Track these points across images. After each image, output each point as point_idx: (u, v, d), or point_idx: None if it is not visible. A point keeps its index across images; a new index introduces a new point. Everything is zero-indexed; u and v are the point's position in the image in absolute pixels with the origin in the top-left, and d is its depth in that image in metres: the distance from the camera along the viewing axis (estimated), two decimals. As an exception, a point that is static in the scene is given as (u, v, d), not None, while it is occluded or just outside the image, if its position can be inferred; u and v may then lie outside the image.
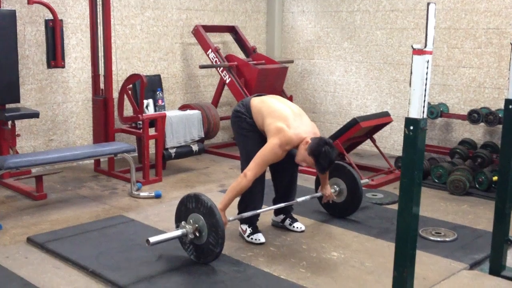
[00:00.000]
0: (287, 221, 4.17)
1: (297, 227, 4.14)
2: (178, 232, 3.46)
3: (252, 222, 3.94)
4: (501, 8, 5.87)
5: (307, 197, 4.23)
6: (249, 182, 3.58)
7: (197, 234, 3.43)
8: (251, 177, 3.58)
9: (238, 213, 3.92)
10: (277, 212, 4.21)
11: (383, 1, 6.80)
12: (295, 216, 4.24)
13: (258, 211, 3.86)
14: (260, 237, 3.89)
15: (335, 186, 4.38)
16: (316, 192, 4.42)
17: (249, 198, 3.84)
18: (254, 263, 3.56)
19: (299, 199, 4.14)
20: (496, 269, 3.41)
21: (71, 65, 5.92)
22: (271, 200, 4.19)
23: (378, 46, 6.91)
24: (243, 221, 3.93)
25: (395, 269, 2.72)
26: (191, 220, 3.46)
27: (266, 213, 4.19)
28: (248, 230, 3.92)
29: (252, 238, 3.89)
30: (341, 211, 4.44)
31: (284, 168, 4.01)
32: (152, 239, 3.32)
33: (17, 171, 4.80)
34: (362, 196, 4.39)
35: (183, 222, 3.49)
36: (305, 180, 5.39)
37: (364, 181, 4.70)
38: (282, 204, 4.06)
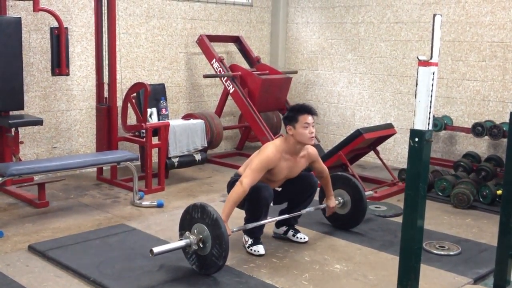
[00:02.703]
0: (290, 232, 4.15)
1: (301, 238, 4.12)
2: (182, 243, 3.43)
3: (254, 234, 3.90)
4: (505, 22, 5.87)
5: (311, 208, 4.21)
6: (245, 189, 3.57)
7: (201, 245, 3.41)
8: (247, 183, 3.58)
9: (245, 232, 3.93)
10: (279, 224, 4.19)
11: (387, 13, 6.81)
12: (297, 227, 4.22)
13: (262, 222, 3.83)
14: (259, 249, 3.85)
15: (339, 198, 4.36)
16: (320, 203, 4.40)
17: (253, 214, 3.82)
18: (256, 274, 3.54)
19: (303, 210, 4.11)
20: (501, 284, 3.37)
21: (76, 73, 5.93)
22: (277, 212, 4.17)
23: (382, 58, 6.91)
24: (246, 232, 3.92)
25: (399, 282, 2.70)
26: (195, 230, 3.44)
27: (271, 225, 4.17)
28: (249, 241, 3.89)
29: (251, 249, 3.86)
30: (344, 223, 4.41)
31: (305, 188, 4.04)
32: (156, 249, 3.30)
33: (20, 178, 4.79)
34: (366, 208, 4.36)
35: (187, 232, 3.47)
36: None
37: (368, 193, 4.68)
38: (286, 216, 4.04)
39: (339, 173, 4.59)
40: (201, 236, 3.40)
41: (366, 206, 4.36)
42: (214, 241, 3.35)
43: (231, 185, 3.90)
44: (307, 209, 4.14)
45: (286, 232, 4.16)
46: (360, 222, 4.39)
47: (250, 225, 3.77)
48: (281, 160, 3.77)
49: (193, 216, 3.47)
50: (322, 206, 4.32)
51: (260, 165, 3.67)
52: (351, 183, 4.36)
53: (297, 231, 4.15)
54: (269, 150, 3.74)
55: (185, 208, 3.59)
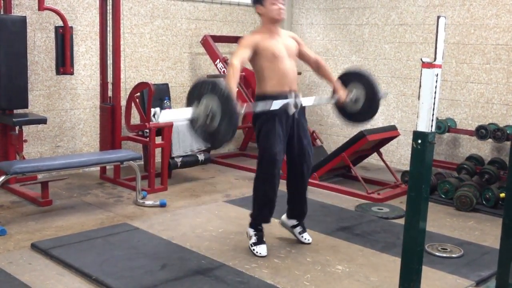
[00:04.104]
0: (298, 229, 4.12)
1: (306, 239, 4.11)
2: (189, 114, 3.23)
3: (258, 227, 3.90)
4: (510, 25, 5.86)
5: (323, 99, 4.03)
6: (232, 64, 3.51)
7: (209, 119, 3.20)
8: (234, 59, 3.56)
9: (250, 222, 3.93)
10: (290, 214, 4.15)
11: (392, 15, 6.81)
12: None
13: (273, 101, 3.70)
14: (262, 250, 3.84)
15: (352, 93, 4.14)
16: (332, 97, 4.18)
17: (262, 199, 3.85)
18: (258, 274, 3.54)
19: (313, 101, 4.08)
20: (503, 287, 3.37)
21: (80, 72, 5.94)
22: (282, 212, 4.17)
23: (386, 60, 6.91)
24: (250, 224, 3.92)
25: (401, 284, 2.70)
26: (204, 103, 3.20)
27: (273, 225, 4.17)
28: (254, 238, 3.88)
29: (254, 250, 3.86)
30: (357, 119, 4.26)
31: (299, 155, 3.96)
32: (162, 115, 3.14)
33: (23, 176, 4.80)
34: (379, 103, 4.15)
35: (195, 103, 3.24)
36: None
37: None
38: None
39: (351, 70, 4.38)
40: (210, 109, 3.17)
41: (379, 101, 4.12)
42: (224, 116, 3.15)
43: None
44: (317, 101, 4.04)
45: (294, 226, 4.12)
46: (372, 118, 4.22)
47: (260, 106, 3.65)
48: (263, 39, 3.77)
49: (203, 91, 3.23)
50: (334, 98, 4.11)
51: (242, 44, 3.69)
52: (365, 79, 4.13)
53: (304, 230, 4.13)
54: (247, 36, 3.82)
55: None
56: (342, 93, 4.09)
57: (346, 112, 4.24)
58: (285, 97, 3.82)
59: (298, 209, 4.10)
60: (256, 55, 3.76)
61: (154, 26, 6.53)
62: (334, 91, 4.13)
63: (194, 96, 3.29)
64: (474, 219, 4.91)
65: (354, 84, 4.14)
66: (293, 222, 4.15)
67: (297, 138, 3.93)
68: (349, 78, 4.19)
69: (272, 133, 3.76)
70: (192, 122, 3.30)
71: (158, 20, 6.56)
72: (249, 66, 6.99)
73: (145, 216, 4.69)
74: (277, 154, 3.75)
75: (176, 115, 3.29)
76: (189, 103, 3.31)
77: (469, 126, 6.15)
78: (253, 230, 3.92)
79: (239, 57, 3.61)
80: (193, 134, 3.37)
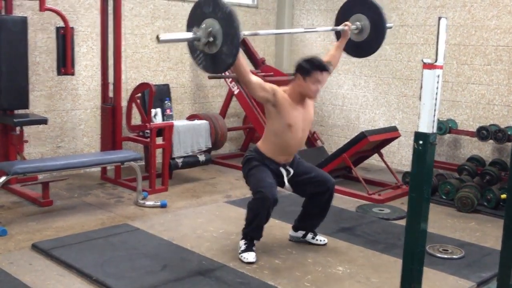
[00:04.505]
0: (309, 236, 4.11)
1: (321, 240, 4.10)
2: (191, 34, 3.13)
3: (248, 237, 3.82)
4: (511, 26, 5.86)
5: (328, 28, 3.99)
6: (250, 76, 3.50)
7: (211, 39, 3.10)
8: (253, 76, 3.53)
9: (243, 234, 3.85)
10: (296, 227, 4.14)
11: (392, 16, 6.80)
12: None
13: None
14: (248, 256, 3.73)
15: (357, 23, 4.05)
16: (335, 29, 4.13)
17: (256, 223, 3.77)
18: (259, 275, 3.54)
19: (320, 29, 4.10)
20: (504, 288, 3.36)
21: (81, 72, 5.94)
22: (283, 212, 4.16)
23: (387, 61, 6.90)
24: (243, 235, 3.84)
25: (402, 285, 2.70)
26: (204, 26, 3.12)
27: (274, 226, 4.16)
28: (243, 246, 3.80)
29: (241, 256, 3.76)
30: (362, 50, 4.18)
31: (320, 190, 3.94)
32: (162, 37, 3.03)
33: (24, 177, 4.80)
34: (385, 32, 4.04)
35: (195, 27, 3.15)
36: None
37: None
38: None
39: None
40: (210, 30, 3.08)
41: (386, 29, 4.01)
42: (226, 37, 3.05)
43: (247, 158, 3.94)
44: (323, 30, 4.06)
45: (305, 235, 4.12)
46: (378, 48, 4.12)
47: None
48: (287, 100, 3.72)
49: (204, 11, 3.11)
50: (339, 28, 4.02)
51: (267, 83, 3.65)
52: (369, 3, 4.01)
53: (315, 234, 4.13)
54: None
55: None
56: (345, 24, 4.04)
57: (352, 43, 4.14)
58: (277, 166, 3.84)
59: (313, 225, 4.10)
60: (273, 110, 3.73)
61: (155, 27, 6.53)
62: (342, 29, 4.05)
63: (194, 18, 3.20)
64: (475, 220, 4.90)
65: (357, 16, 4.05)
66: (302, 232, 4.13)
67: (301, 175, 3.92)
68: (350, 11, 4.08)
69: (259, 171, 3.78)
70: (193, 46, 3.22)
71: (159, 21, 6.56)
72: (251, 67, 7.01)
73: (146, 216, 4.69)
74: (268, 187, 3.66)
75: (177, 36, 3.22)
76: (189, 26, 3.22)
77: (470, 127, 6.14)
78: (244, 240, 3.84)
79: (258, 79, 3.60)
80: (193, 59, 3.29)
